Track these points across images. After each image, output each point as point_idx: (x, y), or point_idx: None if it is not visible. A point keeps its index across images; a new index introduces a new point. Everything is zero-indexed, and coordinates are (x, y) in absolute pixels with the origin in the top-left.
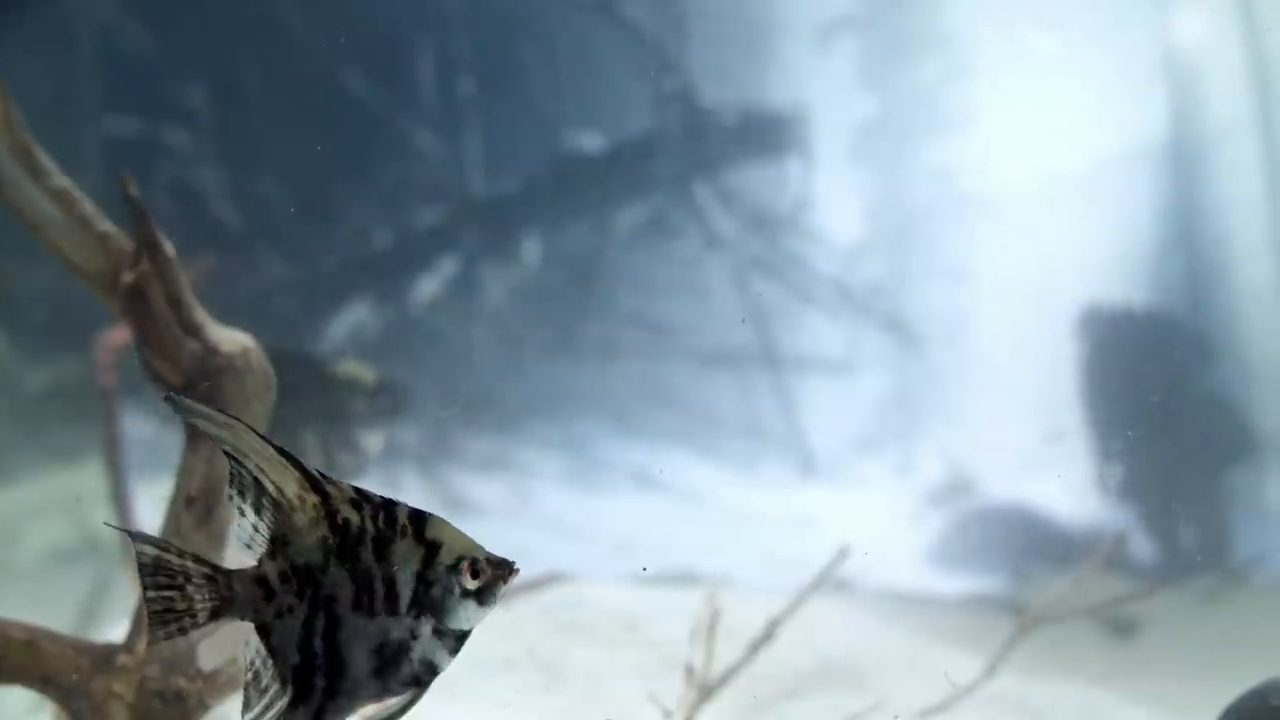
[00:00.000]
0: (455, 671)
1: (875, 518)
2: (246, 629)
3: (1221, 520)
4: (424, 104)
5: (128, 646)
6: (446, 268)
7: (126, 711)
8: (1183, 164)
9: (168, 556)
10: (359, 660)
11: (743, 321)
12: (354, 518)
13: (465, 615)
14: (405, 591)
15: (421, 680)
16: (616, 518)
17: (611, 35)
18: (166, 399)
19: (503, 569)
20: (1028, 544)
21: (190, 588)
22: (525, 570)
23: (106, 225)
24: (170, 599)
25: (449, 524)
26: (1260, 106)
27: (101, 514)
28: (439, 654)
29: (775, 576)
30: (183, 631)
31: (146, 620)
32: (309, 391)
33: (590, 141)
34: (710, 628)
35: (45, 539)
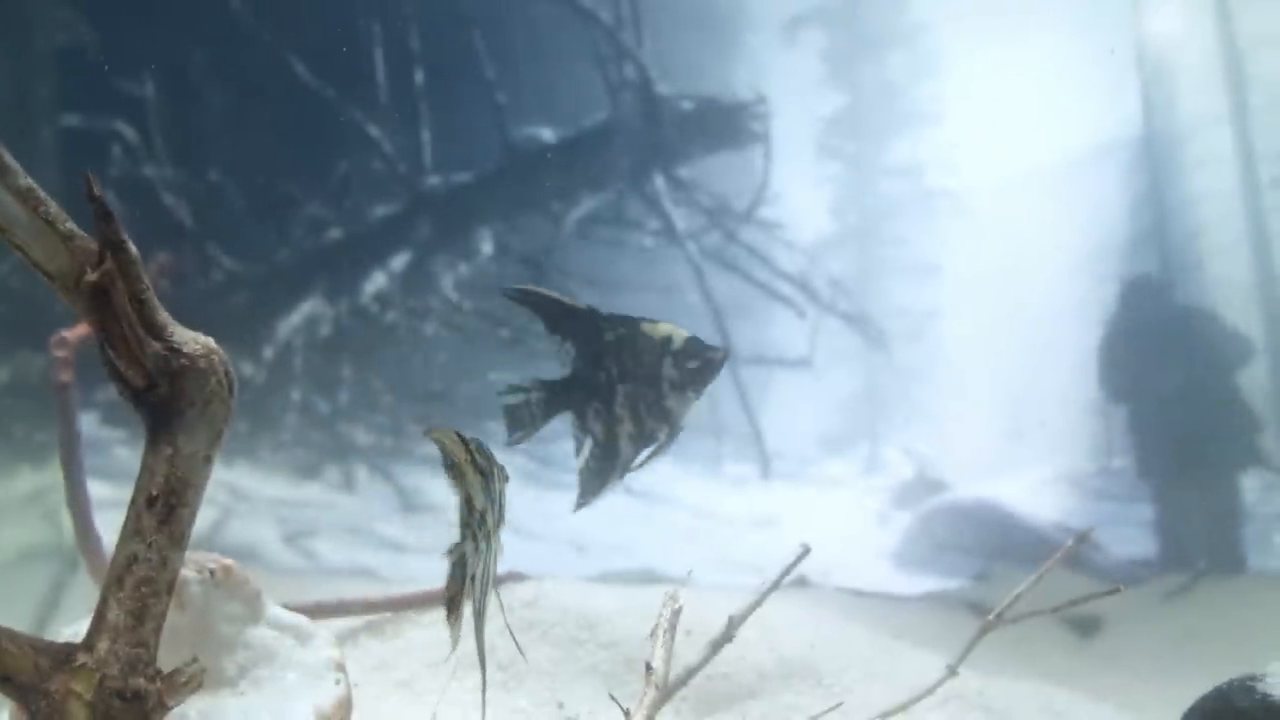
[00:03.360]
0: (413, 671)
1: (840, 516)
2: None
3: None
4: (377, 96)
5: (87, 646)
6: (400, 262)
7: (86, 711)
8: (1155, 158)
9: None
10: (636, 421)
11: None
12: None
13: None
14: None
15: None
16: (575, 517)
17: (570, 27)
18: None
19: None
20: (991, 542)
21: (534, 392)
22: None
23: (70, 225)
24: (517, 408)
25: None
26: (1233, 100)
27: (64, 512)
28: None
29: (737, 575)
30: (531, 428)
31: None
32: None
33: (547, 133)
34: (670, 626)
35: (8, 538)
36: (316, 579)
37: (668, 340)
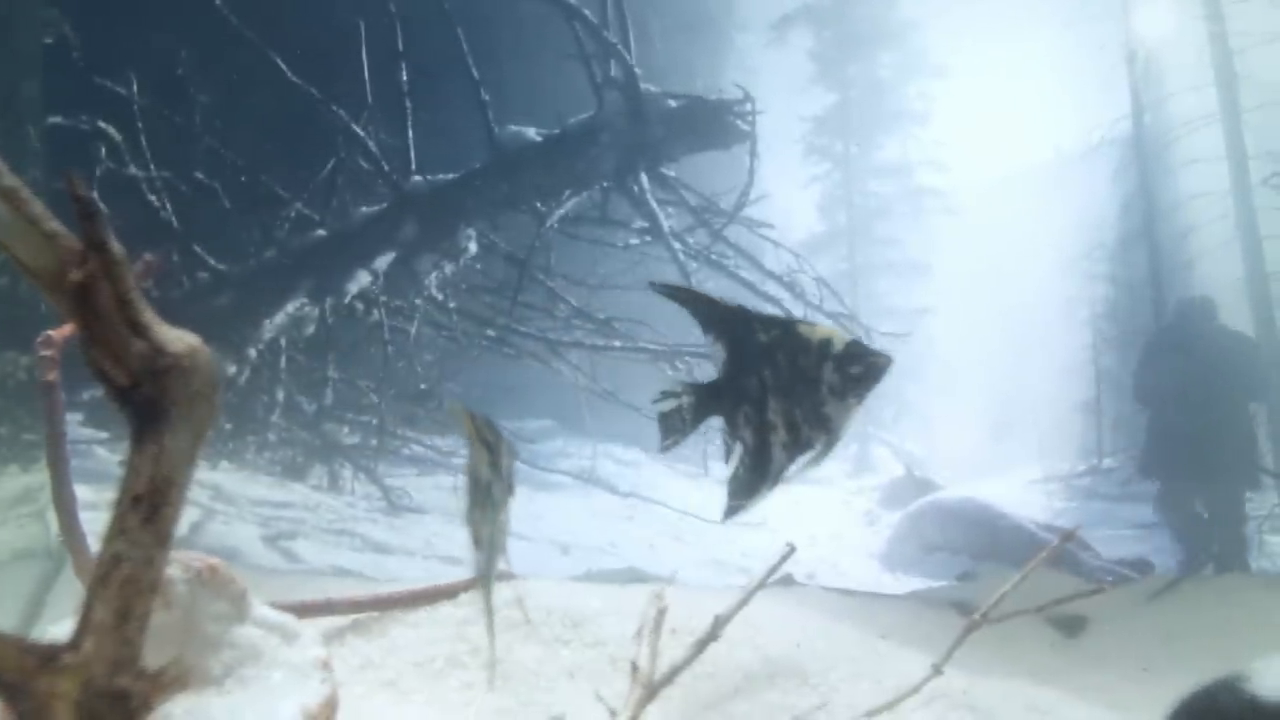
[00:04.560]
0: (400, 670)
1: (828, 516)
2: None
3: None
4: (363, 95)
5: (73, 645)
6: (385, 261)
7: (71, 710)
8: (1145, 157)
9: (673, 392)
10: (790, 428)
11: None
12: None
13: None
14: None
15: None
16: (561, 516)
17: (556, 25)
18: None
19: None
20: (980, 542)
21: (685, 396)
22: (466, 570)
23: (55, 224)
24: (670, 415)
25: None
26: (1224, 99)
27: (50, 512)
28: (842, 416)
29: (724, 575)
30: (682, 433)
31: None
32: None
33: (532, 132)
34: (656, 626)
35: None
36: (300, 579)
37: (827, 343)
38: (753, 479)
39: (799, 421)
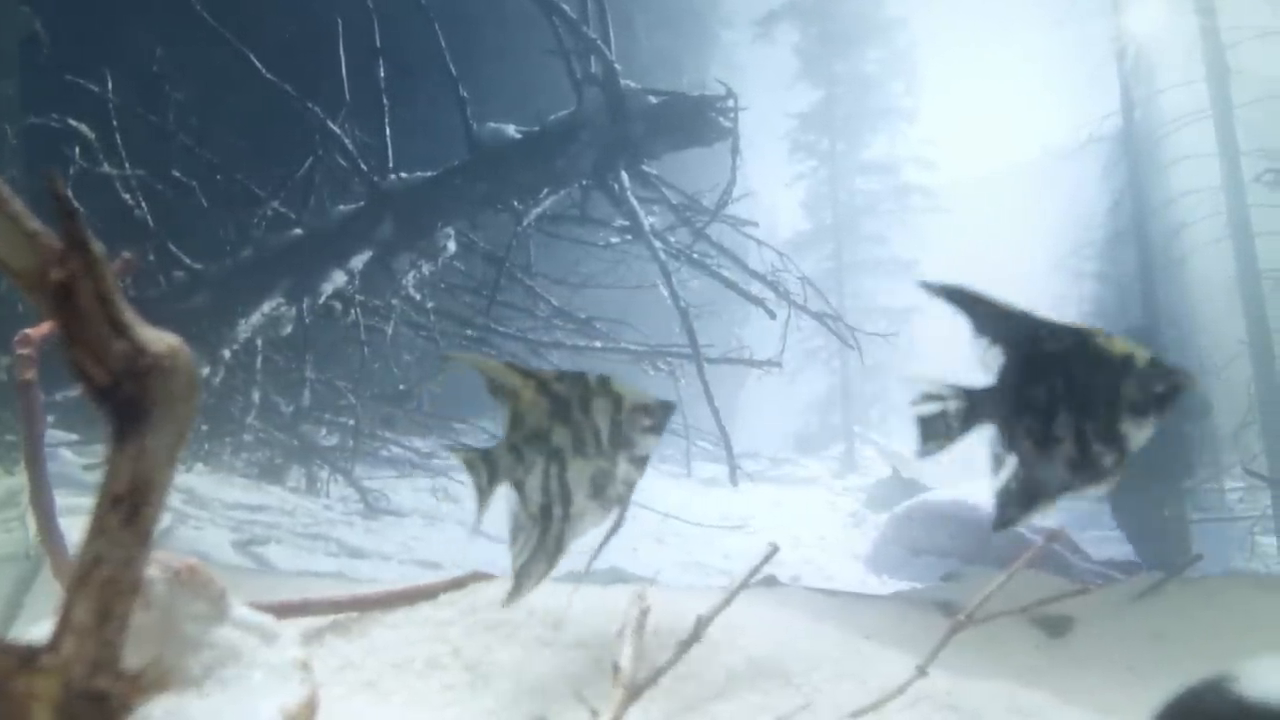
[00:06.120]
0: (379, 671)
1: (813, 517)
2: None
3: (1181, 525)
4: (340, 93)
5: (52, 646)
6: (362, 260)
7: (50, 712)
8: (1135, 154)
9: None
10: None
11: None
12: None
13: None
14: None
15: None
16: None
17: (535, 21)
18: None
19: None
20: (966, 543)
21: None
22: (448, 570)
23: (35, 223)
24: (932, 419)
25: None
26: (1215, 95)
27: (29, 513)
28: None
29: (707, 577)
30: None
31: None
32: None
33: (512, 129)
34: (638, 627)
35: None
36: (279, 580)
37: (1128, 358)
38: (1027, 493)
39: (1089, 437)
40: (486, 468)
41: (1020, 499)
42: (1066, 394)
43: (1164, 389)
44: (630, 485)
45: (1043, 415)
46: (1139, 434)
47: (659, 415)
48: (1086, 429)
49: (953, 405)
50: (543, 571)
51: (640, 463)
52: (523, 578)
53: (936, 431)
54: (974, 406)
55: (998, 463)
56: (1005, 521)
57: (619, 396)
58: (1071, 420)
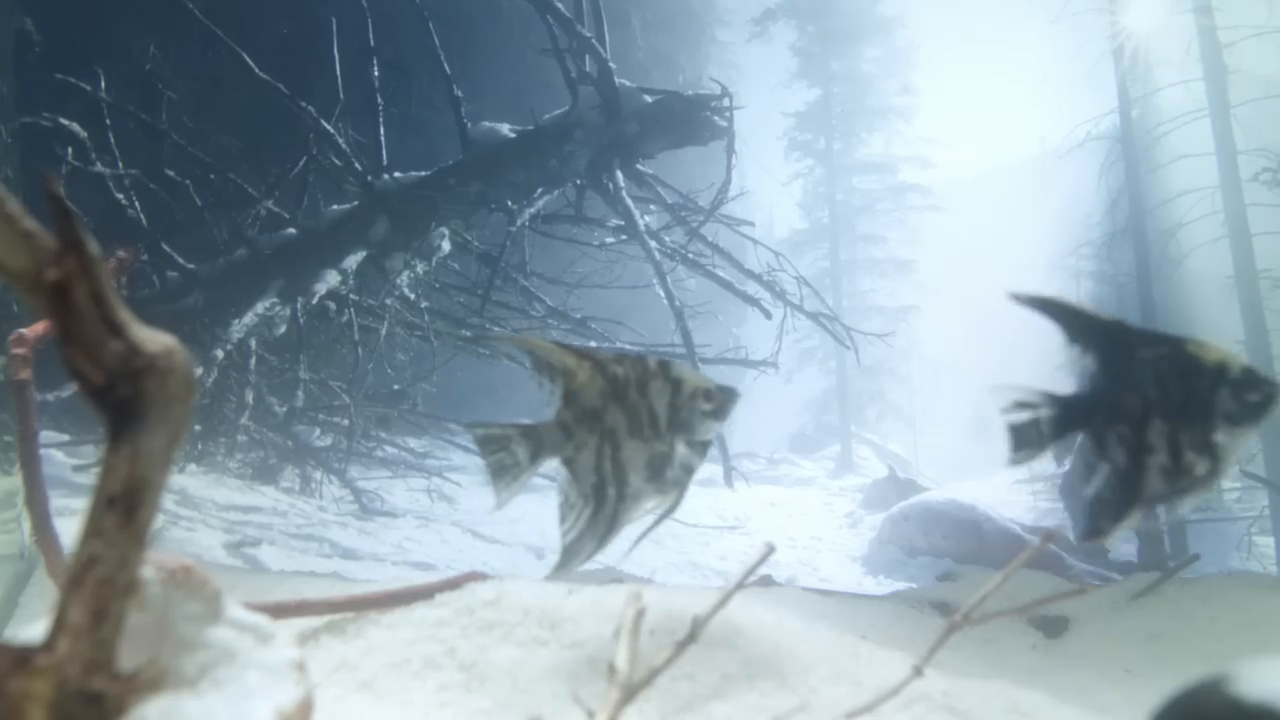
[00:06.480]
0: (375, 672)
1: (810, 517)
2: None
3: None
4: (334, 92)
5: (47, 646)
6: (356, 260)
7: (45, 712)
8: (1133, 153)
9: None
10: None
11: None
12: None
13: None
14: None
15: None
16: (537, 519)
17: (530, 19)
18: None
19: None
20: (963, 543)
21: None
22: (442, 570)
23: (30, 222)
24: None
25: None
26: (1213, 94)
27: (23, 513)
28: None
29: (704, 577)
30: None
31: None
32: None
33: (506, 128)
34: (634, 627)
35: None
36: (274, 580)
37: (1222, 367)
38: (1120, 501)
39: (1183, 446)
40: (530, 444)
41: (1114, 508)
42: (1160, 402)
43: (1259, 398)
44: (689, 470)
45: (1136, 423)
46: (1233, 443)
47: (720, 400)
48: (1180, 438)
49: (1045, 413)
50: (591, 550)
51: (700, 448)
52: (571, 554)
53: (1029, 439)
54: (1067, 414)
55: (1089, 471)
56: (1098, 531)
57: (678, 380)
58: (1165, 429)
